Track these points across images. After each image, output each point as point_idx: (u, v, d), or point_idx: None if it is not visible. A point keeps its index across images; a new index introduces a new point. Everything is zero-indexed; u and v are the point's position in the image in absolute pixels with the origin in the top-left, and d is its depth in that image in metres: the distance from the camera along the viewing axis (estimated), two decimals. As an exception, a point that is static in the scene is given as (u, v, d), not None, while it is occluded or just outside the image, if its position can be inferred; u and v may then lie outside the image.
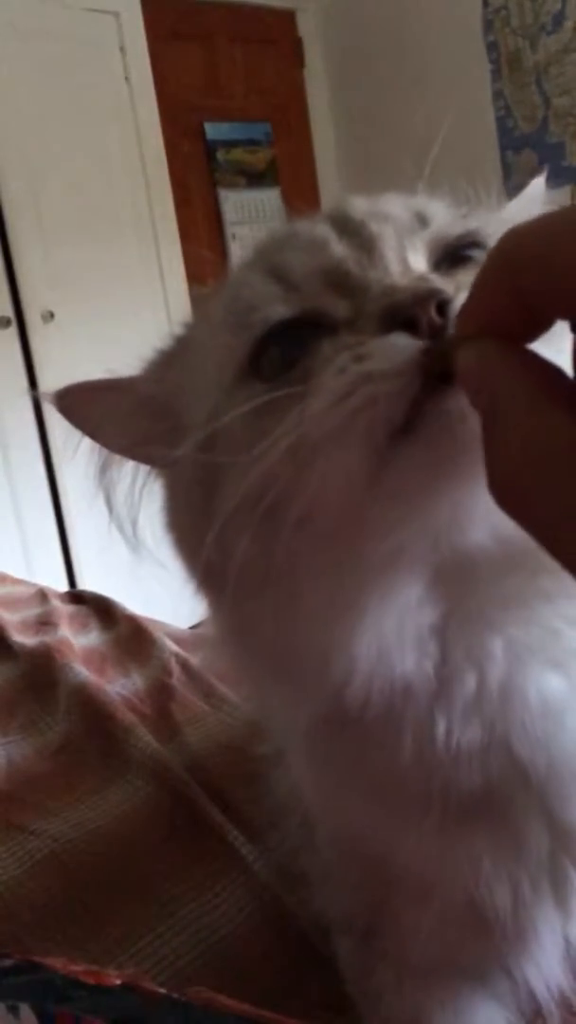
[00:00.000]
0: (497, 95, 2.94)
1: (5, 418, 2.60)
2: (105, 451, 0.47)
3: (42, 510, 2.71)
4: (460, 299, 0.32)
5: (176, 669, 1.05)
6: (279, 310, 0.39)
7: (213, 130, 3.13)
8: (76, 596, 1.44)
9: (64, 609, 1.33)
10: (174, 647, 1.11)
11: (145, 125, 2.88)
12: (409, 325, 0.33)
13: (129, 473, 0.48)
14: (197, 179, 3.08)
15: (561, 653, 0.39)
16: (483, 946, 0.47)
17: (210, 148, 3.12)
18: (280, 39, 3.31)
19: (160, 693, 1.00)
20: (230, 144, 3.16)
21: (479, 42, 2.92)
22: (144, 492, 0.47)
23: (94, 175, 2.76)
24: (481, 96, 2.93)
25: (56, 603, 1.37)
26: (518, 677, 0.38)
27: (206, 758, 0.85)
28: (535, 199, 0.50)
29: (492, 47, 2.92)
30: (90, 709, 0.96)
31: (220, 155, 3.13)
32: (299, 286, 0.39)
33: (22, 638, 1.20)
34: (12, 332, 2.62)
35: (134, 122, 2.86)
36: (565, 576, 0.23)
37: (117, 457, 0.47)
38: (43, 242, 2.64)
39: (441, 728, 0.39)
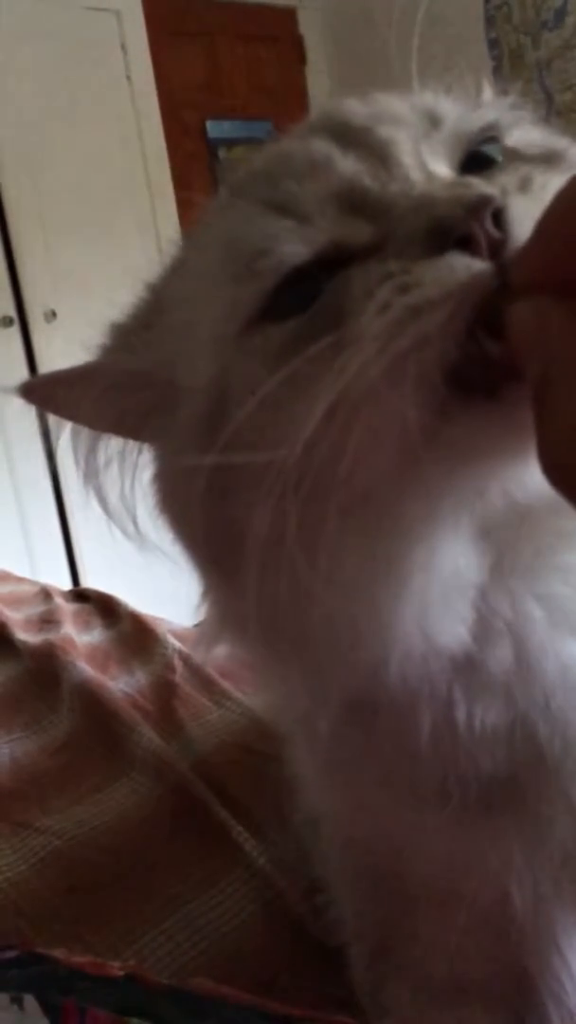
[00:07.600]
0: (499, 92, 2.93)
1: (7, 416, 2.60)
2: (86, 435, 0.43)
3: (45, 508, 2.71)
4: (513, 206, 0.28)
5: (179, 666, 1.05)
6: (296, 251, 0.33)
7: (215, 128, 3.12)
8: (79, 594, 1.45)
9: (67, 607, 1.34)
10: (177, 644, 1.11)
11: (146, 124, 2.88)
12: (463, 244, 0.28)
13: (115, 458, 0.43)
14: (199, 177, 3.07)
15: None
16: (504, 961, 0.43)
17: (212, 146, 3.12)
18: (281, 37, 3.30)
19: (163, 690, 1.00)
20: (232, 142, 3.15)
21: (481, 39, 2.92)
22: (136, 478, 0.42)
23: (96, 174, 2.76)
24: (483, 93, 2.92)
25: (59, 601, 1.37)
26: (549, 645, 0.34)
27: (210, 755, 0.85)
28: None
29: (494, 43, 2.91)
30: (93, 707, 0.96)
31: (222, 153, 3.13)
32: (310, 217, 0.33)
33: (26, 636, 1.20)
34: (14, 331, 2.62)
35: (135, 121, 2.86)
36: None
37: (101, 444, 0.43)
38: (45, 241, 2.64)
39: (462, 710, 0.35)
